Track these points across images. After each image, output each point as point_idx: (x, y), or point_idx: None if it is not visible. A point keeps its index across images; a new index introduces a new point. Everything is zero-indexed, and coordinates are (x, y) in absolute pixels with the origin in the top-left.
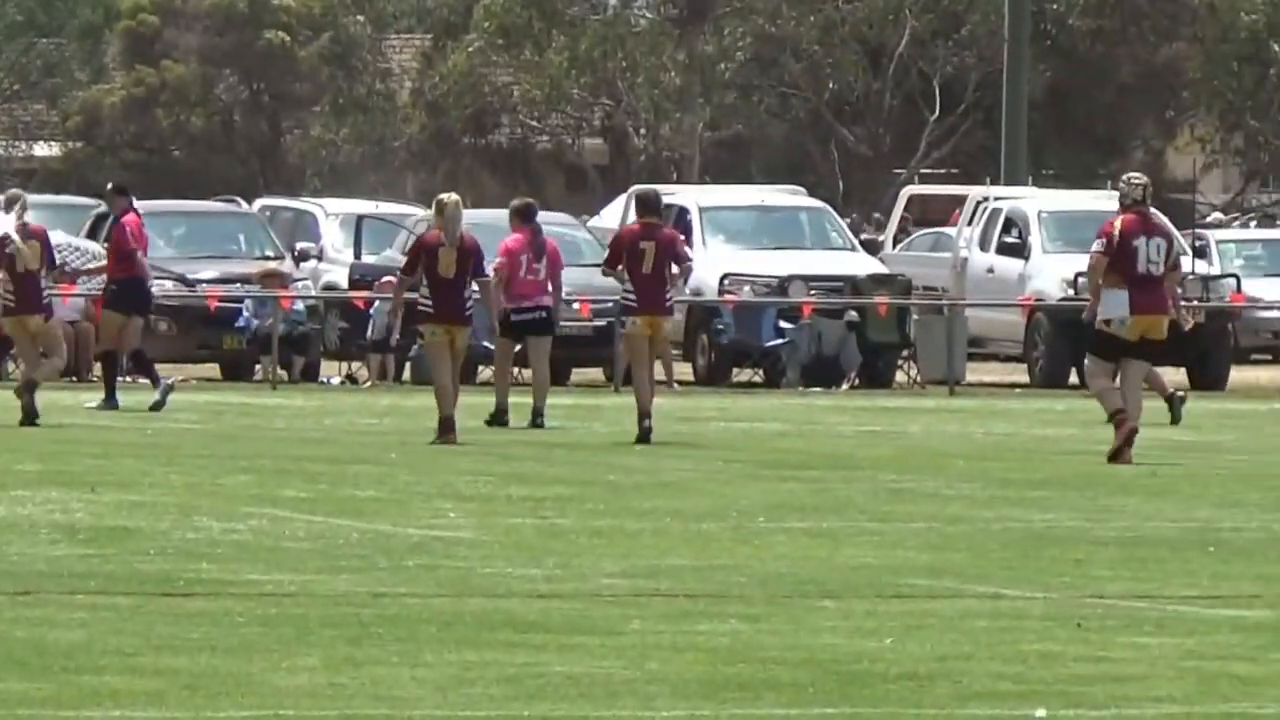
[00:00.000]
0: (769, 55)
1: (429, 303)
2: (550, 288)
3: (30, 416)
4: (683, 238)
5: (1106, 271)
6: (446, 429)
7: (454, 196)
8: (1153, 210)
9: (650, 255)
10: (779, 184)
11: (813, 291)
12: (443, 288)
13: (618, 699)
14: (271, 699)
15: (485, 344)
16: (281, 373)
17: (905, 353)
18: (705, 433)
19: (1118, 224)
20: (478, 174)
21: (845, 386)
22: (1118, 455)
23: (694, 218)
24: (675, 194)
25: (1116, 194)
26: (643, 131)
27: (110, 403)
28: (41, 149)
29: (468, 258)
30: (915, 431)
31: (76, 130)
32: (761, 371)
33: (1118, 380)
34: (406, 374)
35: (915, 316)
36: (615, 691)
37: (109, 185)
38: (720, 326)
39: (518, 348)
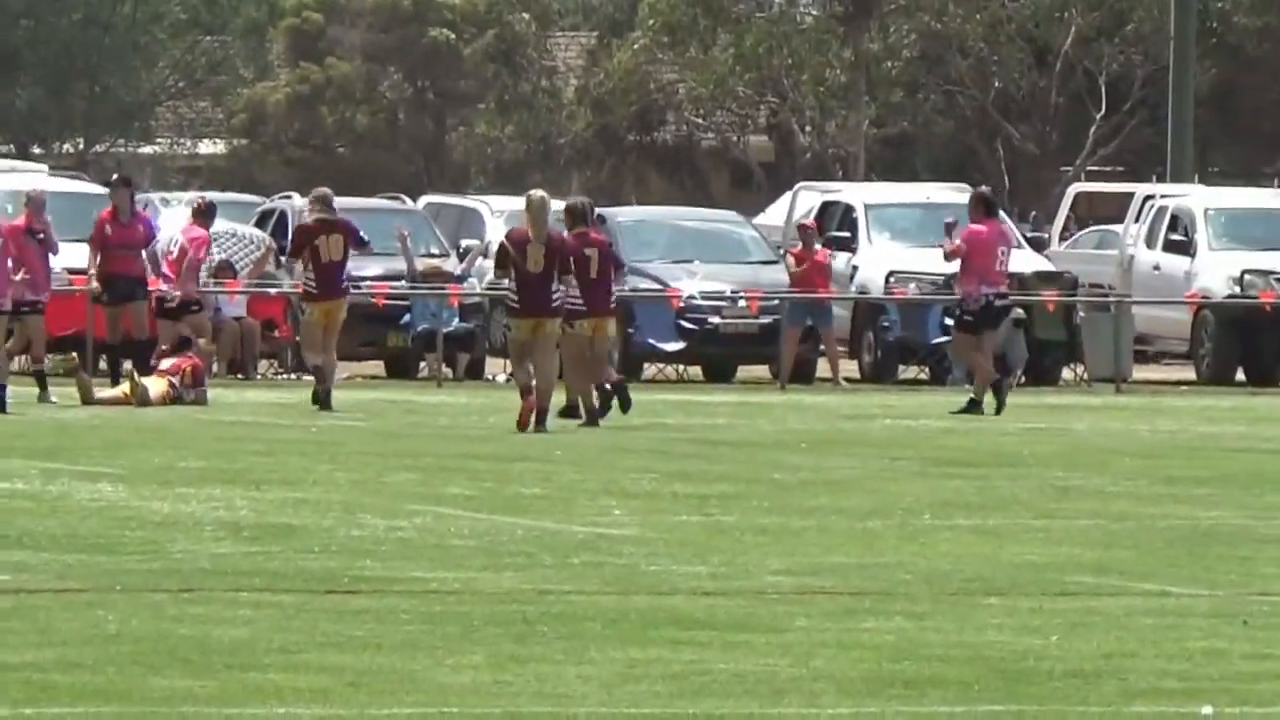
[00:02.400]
0: (935, 53)
1: (515, 297)
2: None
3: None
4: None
5: None
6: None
7: (540, 193)
8: None
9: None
10: (945, 181)
11: None
12: (530, 283)
13: (783, 696)
14: (436, 696)
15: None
16: (446, 370)
17: (1072, 350)
18: (871, 430)
19: None
20: (643, 171)
21: (1011, 384)
22: None
23: (859, 215)
24: (841, 191)
25: None
26: (808, 129)
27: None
28: (206, 146)
29: (555, 254)
30: (1081, 429)
31: (241, 128)
32: (927, 369)
33: None
34: None
35: (1082, 314)
36: (780, 689)
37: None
38: (886, 324)
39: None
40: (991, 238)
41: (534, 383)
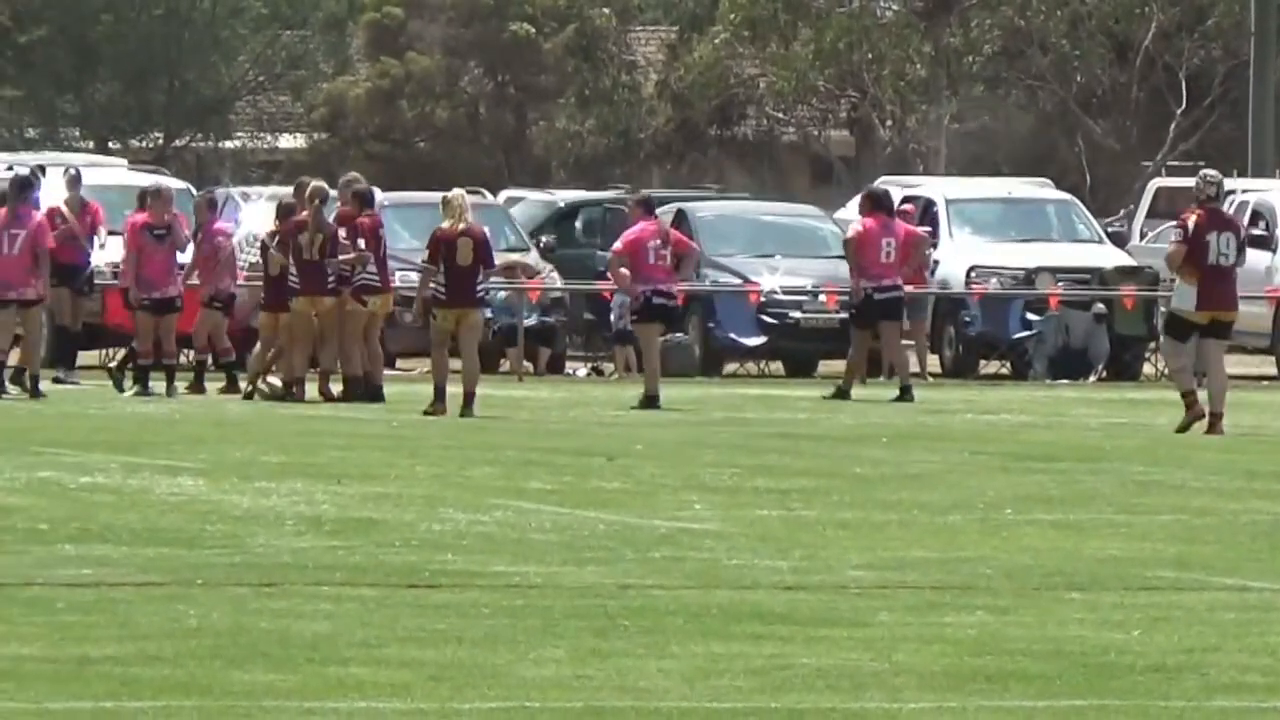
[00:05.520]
0: (1016, 48)
1: (443, 289)
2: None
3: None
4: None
5: (1183, 263)
6: (437, 399)
7: (459, 191)
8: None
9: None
10: (1026, 176)
11: (1060, 283)
12: (460, 275)
13: (864, 691)
14: (518, 690)
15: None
16: (527, 365)
17: (1152, 345)
18: (952, 425)
19: (1191, 219)
20: (724, 166)
21: (1093, 378)
22: (1185, 429)
23: (940, 210)
24: (922, 185)
25: None
26: (888, 124)
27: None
28: (286, 141)
29: (480, 247)
30: (1162, 423)
31: (321, 122)
32: (1008, 363)
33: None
34: None
35: (1162, 309)
36: (862, 684)
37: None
38: (967, 318)
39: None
40: (874, 233)
41: (447, 376)
